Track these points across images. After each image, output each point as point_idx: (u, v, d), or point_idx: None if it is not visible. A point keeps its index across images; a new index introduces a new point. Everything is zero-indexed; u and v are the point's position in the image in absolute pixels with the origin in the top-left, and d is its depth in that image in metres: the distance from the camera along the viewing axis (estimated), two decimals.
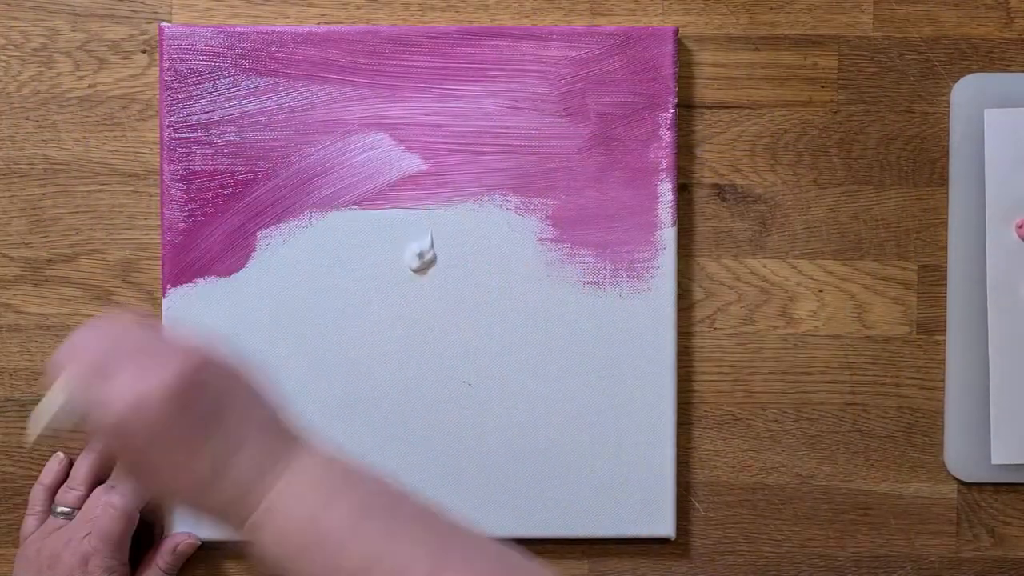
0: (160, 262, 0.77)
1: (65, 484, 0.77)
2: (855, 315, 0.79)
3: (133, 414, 0.52)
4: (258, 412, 0.55)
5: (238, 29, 0.77)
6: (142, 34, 0.78)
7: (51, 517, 0.76)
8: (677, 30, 0.77)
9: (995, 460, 0.78)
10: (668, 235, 0.77)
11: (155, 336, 0.55)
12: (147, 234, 0.78)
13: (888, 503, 0.80)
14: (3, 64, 0.78)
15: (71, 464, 0.78)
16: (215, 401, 0.54)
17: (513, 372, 0.77)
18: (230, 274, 0.77)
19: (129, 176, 0.78)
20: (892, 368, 0.80)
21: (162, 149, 0.76)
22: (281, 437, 0.55)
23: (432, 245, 0.77)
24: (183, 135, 0.76)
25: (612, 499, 0.77)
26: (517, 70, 0.77)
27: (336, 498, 0.53)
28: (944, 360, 0.79)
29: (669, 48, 0.77)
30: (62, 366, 0.54)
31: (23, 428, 0.78)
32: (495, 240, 0.77)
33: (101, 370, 0.52)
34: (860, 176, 0.79)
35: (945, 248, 0.79)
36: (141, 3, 0.78)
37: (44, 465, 0.78)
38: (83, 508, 0.75)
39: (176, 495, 0.55)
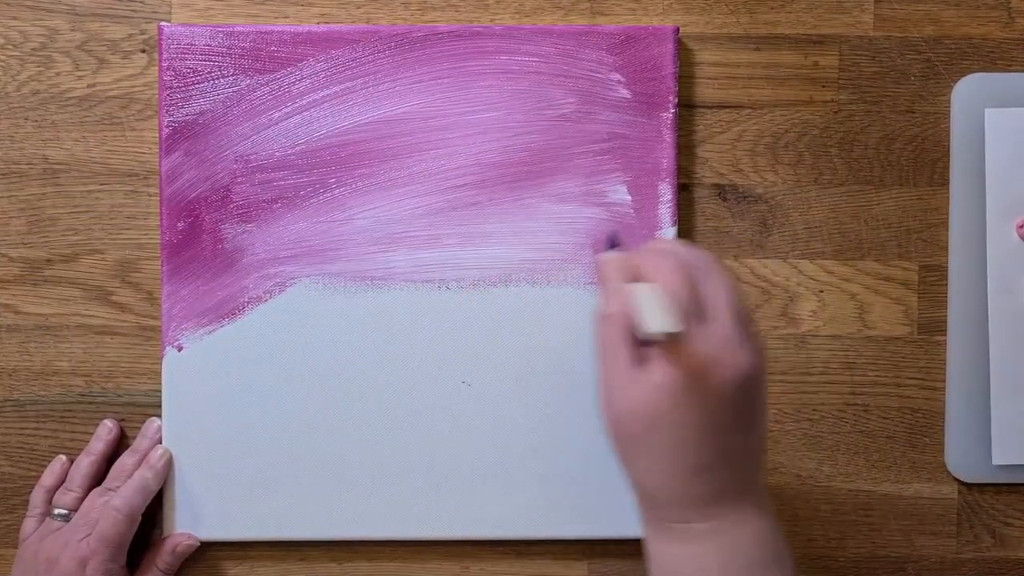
0: (159, 262, 0.77)
1: (63, 486, 0.76)
2: (856, 315, 0.79)
3: (711, 369, 0.51)
4: (759, 445, 0.55)
5: (237, 29, 0.76)
6: (141, 34, 0.78)
7: (48, 519, 0.75)
8: (678, 29, 0.77)
9: (996, 461, 0.78)
10: (668, 235, 0.77)
11: (747, 313, 0.55)
12: (146, 234, 0.78)
13: (889, 504, 0.80)
14: (2, 64, 0.78)
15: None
16: (754, 407, 0.54)
17: (512, 372, 0.77)
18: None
19: (128, 176, 0.78)
20: (893, 368, 0.79)
21: (161, 149, 0.76)
22: (758, 476, 0.55)
23: None
24: (182, 135, 0.76)
25: (612, 499, 0.77)
26: (517, 70, 0.77)
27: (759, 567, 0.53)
28: (945, 360, 0.79)
29: (670, 48, 0.77)
30: (664, 274, 0.53)
31: (22, 428, 0.78)
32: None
33: (692, 307, 0.52)
34: (861, 176, 0.79)
35: (946, 248, 0.79)
36: (140, 3, 0.78)
37: (43, 466, 0.78)
38: (80, 510, 0.75)
39: (652, 468, 0.54)
